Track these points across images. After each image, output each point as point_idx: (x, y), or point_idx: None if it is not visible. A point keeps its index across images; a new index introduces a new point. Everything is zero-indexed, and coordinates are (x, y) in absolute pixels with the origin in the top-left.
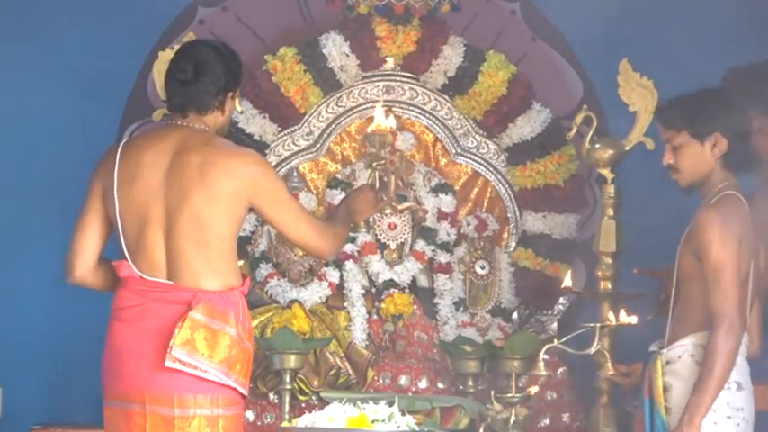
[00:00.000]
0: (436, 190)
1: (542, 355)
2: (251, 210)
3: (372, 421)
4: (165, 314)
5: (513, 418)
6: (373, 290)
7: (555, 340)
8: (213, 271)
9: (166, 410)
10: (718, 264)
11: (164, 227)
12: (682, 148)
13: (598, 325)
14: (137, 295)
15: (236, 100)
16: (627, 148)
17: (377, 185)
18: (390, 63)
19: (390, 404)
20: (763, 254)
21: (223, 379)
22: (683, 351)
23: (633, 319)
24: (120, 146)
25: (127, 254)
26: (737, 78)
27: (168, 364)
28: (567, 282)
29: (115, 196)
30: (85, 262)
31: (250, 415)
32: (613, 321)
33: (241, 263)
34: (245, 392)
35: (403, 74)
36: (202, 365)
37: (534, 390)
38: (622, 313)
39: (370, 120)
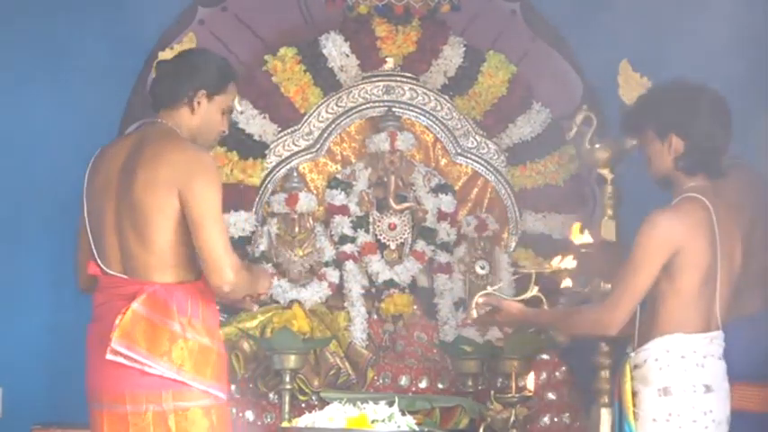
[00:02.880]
0: (436, 190)
1: (477, 300)
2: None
3: (372, 421)
4: (118, 309)
5: (512, 418)
6: (373, 290)
7: (489, 287)
8: (163, 264)
9: (120, 408)
10: (634, 269)
11: (115, 220)
12: (648, 146)
13: (534, 270)
14: (103, 293)
15: (216, 108)
16: (627, 148)
17: None
18: (390, 63)
19: (390, 404)
20: (738, 254)
21: (167, 373)
22: (647, 355)
23: (570, 264)
24: (96, 153)
25: (95, 251)
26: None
27: (109, 356)
28: (567, 282)
29: (84, 196)
30: (85, 272)
31: (250, 415)
32: (551, 266)
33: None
34: (203, 388)
35: (403, 74)
36: (142, 359)
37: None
38: (557, 258)
39: (371, 120)
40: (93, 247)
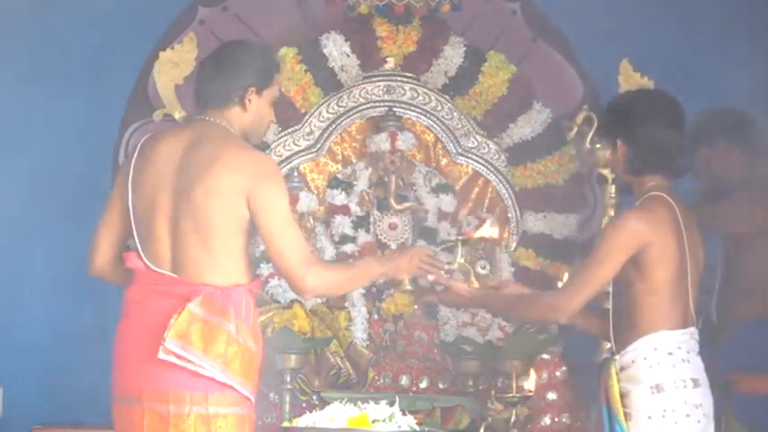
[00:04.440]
0: (437, 190)
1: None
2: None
3: (373, 421)
4: (165, 308)
5: (513, 418)
6: (374, 289)
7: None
8: (217, 266)
9: (162, 407)
10: (599, 260)
11: (169, 218)
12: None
13: (460, 238)
14: (143, 289)
15: (266, 102)
16: None
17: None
18: (391, 63)
19: (391, 404)
20: (702, 253)
21: (218, 375)
22: (635, 355)
23: (494, 232)
24: (142, 140)
25: (138, 245)
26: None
27: (161, 356)
28: (566, 277)
29: (129, 186)
30: (104, 256)
31: None
32: (474, 235)
33: None
34: (246, 393)
35: (403, 74)
36: (197, 360)
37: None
38: (485, 226)
39: (371, 120)
40: (137, 240)
